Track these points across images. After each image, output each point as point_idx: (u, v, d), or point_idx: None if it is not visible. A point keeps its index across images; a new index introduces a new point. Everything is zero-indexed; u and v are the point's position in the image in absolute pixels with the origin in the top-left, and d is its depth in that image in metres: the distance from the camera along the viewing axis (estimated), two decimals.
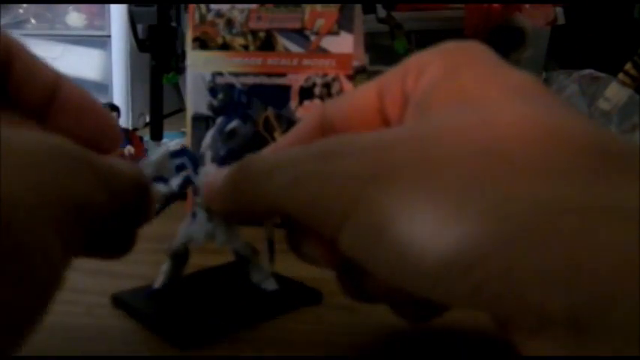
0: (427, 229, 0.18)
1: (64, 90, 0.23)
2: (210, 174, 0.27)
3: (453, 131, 0.20)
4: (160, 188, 0.28)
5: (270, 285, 0.31)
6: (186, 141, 0.48)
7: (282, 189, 0.22)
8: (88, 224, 0.20)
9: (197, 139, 0.47)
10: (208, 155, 0.30)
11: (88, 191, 0.20)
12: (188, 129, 0.48)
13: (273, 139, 0.46)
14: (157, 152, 0.29)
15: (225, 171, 0.26)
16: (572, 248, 0.16)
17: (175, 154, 0.29)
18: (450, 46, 0.25)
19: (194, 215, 0.29)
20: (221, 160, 0.30)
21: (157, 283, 0.30)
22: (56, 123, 0.23)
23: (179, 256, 0.30)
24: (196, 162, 0.29)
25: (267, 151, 0.27)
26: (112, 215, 0.22)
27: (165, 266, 0.30)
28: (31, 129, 0.23)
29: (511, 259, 0.17)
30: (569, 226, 0.17)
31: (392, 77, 0.26)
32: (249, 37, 0.46)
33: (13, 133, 0.18)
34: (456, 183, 0.18)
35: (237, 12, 0.47)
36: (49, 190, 0.18)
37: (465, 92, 0.22)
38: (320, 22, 0.45)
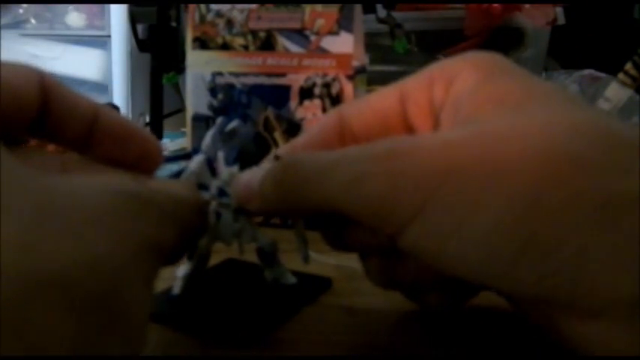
0: (504, 223, 0.20)
1: (103, 119, 0.23)
2: (242, 175, 0.27)
3: (517, 131, 0.21)
4: (203, 195, 0.28)
5: (290, 279, 0.31)
6: (186, 141, 0.48)
7: (343, 187, 0.22)
8: (163, 262, 0.20)
9: (197, 139, 0.47)
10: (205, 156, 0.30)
11: (161, 232, 0.20)
12: (188, 129, 0.48)
13: (273, 139, 0.46)
14: (194, 160, 0.29)
15: (259, 172, 0.26)
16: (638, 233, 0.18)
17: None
18: (474, 56, 0.26)
19: (218, 216, 0.29)
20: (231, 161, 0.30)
21: (177, 288, 0.30)
22: (99, 152, 0.23)
23: (202, 258, 0.30)
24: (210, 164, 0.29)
25: (302, 153, 0.27)
26: (181, 245, 0.22)
27: (182, 270, 0.30)
28: (85, 168, 0.23)
29: (584, 247, 0.19)
30: (637, 216, 0.19)
31: (415, 84, 0.27)
32: (249, 37, 0.46)
33: (78, 184, 0.18)
34: (528, 179, 0.20)
35: (237, 12, 0.47)
36: (132, 240, 0.18)
37: (511, 96, 0.23)
38: (320, 22, 0.45)
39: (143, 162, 0.24)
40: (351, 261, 0.30)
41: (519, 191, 0.20)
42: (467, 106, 0.24)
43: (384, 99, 0.28)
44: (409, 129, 0.28)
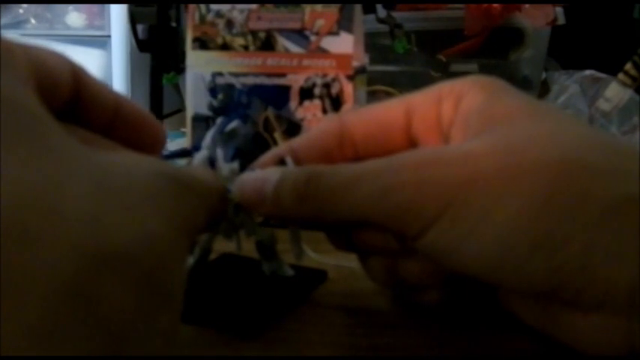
0: (519, 222, 0.22)
1: (125, 106, 0.24)
2: (247, 177, 0.27)
3: (530, 141, 0.23)
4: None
5: (288, 271, 0.32)
6: (186, 141, 0.48)
7: (372, 198, 0.24)
8: (192, 243, 0.21)
9: (197, 139, 0.47)
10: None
11: (196, 215, 0.21)
12: (188, 129, 0.48)
13: (273, 139, 0.46)
14: (197, 157, 0.29)
15: (270, 177, 0.26)
16: (638, 232, 0.20)
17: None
18: (480, 78, 0.28)
19: None
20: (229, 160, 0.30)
21: None
22: (119, 137, 0.24)
23: (204, 252, 0.30)
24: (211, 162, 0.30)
25: (322, 165, 0.27)
26: (206, 229, 0.23)
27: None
28: (102, 144, 0.23)
29: (590, 243, 0.21)
30: (638, 214, 0.21)
31: (423, 100, 0.28)
32: (249, 38, 0.46)
33: (126, 163, 0.18)
34: (541, 183, 0.22)
35: (237, 12, 0.47)
36: (176, 220, 0.18)
37: (519, 112, 0.25)
38: (320, 23, 0.45)
39: (152, 146, 0.25)
40: (351, 261, 0.30)
41: (534, 194, 0.22)
42: (478, 122, 0.26)
43: (389, 111, 0.29)
44: (411, 142, 0.29)
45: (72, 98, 0.22)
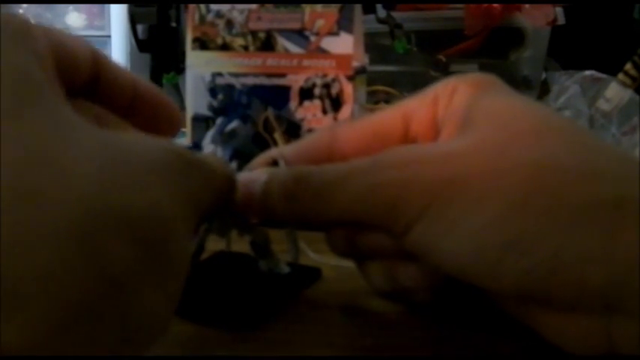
0: (492, 224, 0.22)
1: (142, 89, 0.25)
2: (237, 177, 0.27)
3: (510, 144, 0.23)
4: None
5: (285, 269, 0.32)
6: (186, 141, 0.48)
7: (358, 196, 0.24)
8: (197, 223, 0.21)
9: (197, 139, 0.47)
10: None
11: (201, 193, 0.21)
12: (188, 129, 0.48)
13: (273, 139, 0.46)
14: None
15: (258, 177, 0.26)
16: (610, 235, 0.21)
17: None
18: (473, 75, 0.28)
19: None
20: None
21: None
22: (138, 117, 0.25)
23: (197, 249, 0.30)
24: None
25: (310, 166, 0.27)
26: (211, 212, 0.23)
27: None
28: (116, 125, 0.24)
29: (560, 247, 0.21)
30: (609, 217, 0.21)
31: (420, 103, 0.29)
32: (249, 38, 0.46)
33: (133, 139, 0.19)
34: (517, 187, 0.22)
35: (237, 12, 0.47)
36: (180, 193, 0.19)
37: (503, 110, 0.25)
38: (320, 23, 0.45)
39: (169, 127, 0.26)
40: (350, 262, 0.30)
41: (509, 196, 0.22)
42: (463, 119, 0.26)
43: (386, 119, 0.29)
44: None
45: (91, 80, 0.23)
